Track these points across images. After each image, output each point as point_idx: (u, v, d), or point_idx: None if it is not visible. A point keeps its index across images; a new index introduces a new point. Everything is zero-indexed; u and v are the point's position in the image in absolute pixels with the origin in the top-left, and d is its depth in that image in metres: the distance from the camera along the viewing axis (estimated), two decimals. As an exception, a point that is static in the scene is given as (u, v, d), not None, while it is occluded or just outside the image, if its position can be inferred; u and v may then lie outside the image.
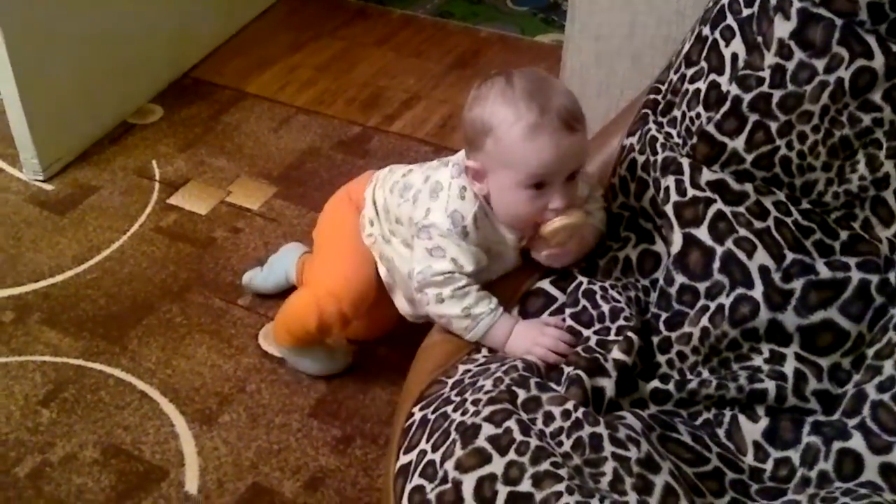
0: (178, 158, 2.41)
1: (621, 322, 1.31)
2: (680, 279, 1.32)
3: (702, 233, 1.32)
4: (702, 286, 1.30)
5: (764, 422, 1.21)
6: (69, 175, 2.35)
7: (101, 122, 2.48)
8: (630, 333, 1.29)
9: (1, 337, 1.91)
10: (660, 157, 1.40)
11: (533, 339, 1.33)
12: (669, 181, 1.37)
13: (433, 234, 1.41)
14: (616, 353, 1.26)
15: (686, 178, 1.36)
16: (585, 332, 1.32)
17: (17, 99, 2.20)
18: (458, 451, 1.11)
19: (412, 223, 1.47)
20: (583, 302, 1.36)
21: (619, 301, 1.35)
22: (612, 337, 1.29)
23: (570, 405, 1.15)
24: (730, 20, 1.34)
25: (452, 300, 1.38)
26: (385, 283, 1.66)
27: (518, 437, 1.11)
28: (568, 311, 1.37)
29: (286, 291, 1.90)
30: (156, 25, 2.56)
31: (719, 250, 1.30)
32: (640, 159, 1.44)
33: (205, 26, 2.79)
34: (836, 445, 1.15)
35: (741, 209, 1.31)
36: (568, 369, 1.25)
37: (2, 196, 2.28)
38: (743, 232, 1.29)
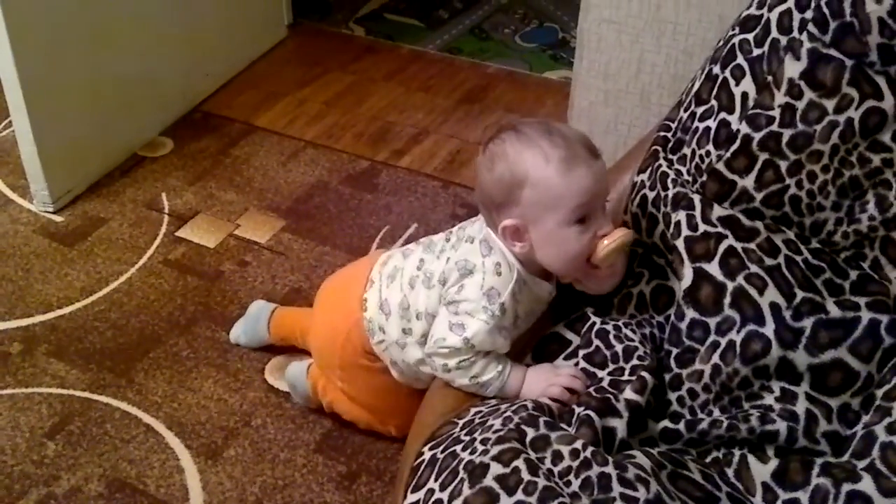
0: (188, 191, 2.42)
1: (635, 361, 1.30)
2: (690, 314, 1.32)
3: (713, 268, 1.31)
4: (712, 321, 1.30)
5: (773, 463, 1.20)
6: (79, 207, 2.36)
7: (112, 155, 2.50)
8: (644, 373, 1.28)
9: (8, 368, 1.91)
10: (671, 193, 1.40)
11: (547, 379, 1.33)
12: (681, 216, 1.37)
13: (461, 309, 1.38)
14: (629, 394, 1.25)
15: (697, 213, 1.35)
16: (599, 374, 1.32)
17: (29, 131, 2.22)
18: (466, 491, 1.10)
19: (444, 301, 1.42)
20: (596, 342, 1.36)
21: (633, 340, 1.34)
22: (625, 377, 1.29)
23: (578, 444, 1.15)
24: (740, 59, 1.35)
25: (459, 370, 1.37)
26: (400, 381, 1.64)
27: (526, 476, 1.10)
28: (581, 352, 1.37)
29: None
30: (166, 60, 2.58)
31: (730, 286, 1.29)
32: (651, 195, 1.44)
33: (215, 61, 2.81)
34: (846, 488, 1.14)
35: (752, 246, 1.31)
36: (579, 409, 1.24)
37: (12, 227, 2.29)
38: (754, 268, 1.29)
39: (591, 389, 1.28)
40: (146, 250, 2.23)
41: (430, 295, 1.47)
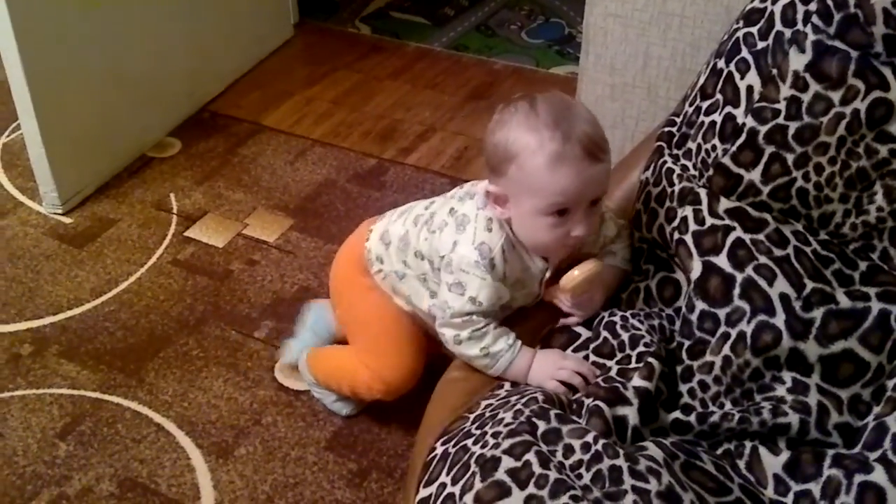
0: (196, 191, 2.42)
1: (641, 349, 1.30)
2: (700, 305, 1.32)
3: (721, 260, 1.31)
4: (722, 312, 1.30)
5: (785, 455, 1.20)
6: (88, 208, 2.37)
7: (120, 156, 2.51)
8: (651, 359, 1.28)
9: (19, 370, 1.91)
10: (677, 188, 1.40)
11: (554, 363, 1.33)
12: (687, 211, 1.37)
13: (455, 267, 1.39)
14: (637, 381, 1.25)
15: (704, 207, 1.36)
16: (608, 364, 1.32)
17: (38, 133, 2.22)
18: (478, 485, 1.10)
19: (438, 255, 1.46)
20: (604, 334, 1.36)
21: (639, 329, 1.35)
22: (632, 365, 1.29)
23: (590, 437, 1.15)
24: (745, 53, 1.35)
25: (470, 341, 1.38)
26: (409, 313, 1.65)
27: (537, 469, 1.10)
28: (591, 345, 1.37)
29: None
30: (174, 60, 2.59)
31: (739, 277, 1.29)
32: (655, 191, 1.44)
33: (222, 61, 2.82)
34: (858, 479, 1.14)
35: (761, 237, 1.31)
36: (588, 401, 1.24)
37: (21, 229, 2.30)
38: (763, 259, 1.29)
39: (599, 379, 1.28)
40: (155, 250, 2.23)
41: (431, 240, 1.49)
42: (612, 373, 1.29)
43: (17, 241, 2.26)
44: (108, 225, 2.31)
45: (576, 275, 1.37)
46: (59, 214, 2.35)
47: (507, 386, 1.36)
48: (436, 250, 1.46)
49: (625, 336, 1.34)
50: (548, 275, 1.44)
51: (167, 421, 1.80)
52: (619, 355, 1.32)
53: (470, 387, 1.38)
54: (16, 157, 2.56)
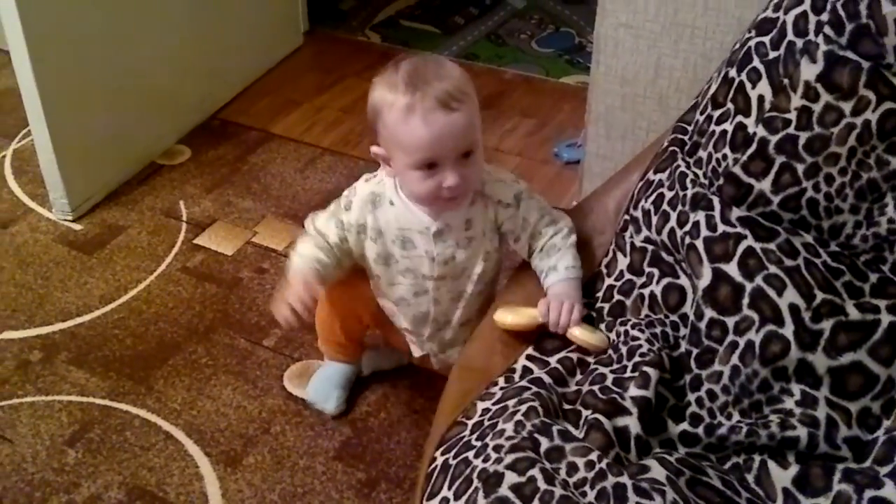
0: (205, 199, 2.43)
1: (637, 358, 1.30)
2: (709, 313, 1.31)
3: (731, 268, 1.30)
4: (731, 321, 1.29)
5: (794, 468, 1.19)
6: (98, 215, 2.38)
7: (130, 163, 2.51)
8: (645, 368, 1.28)
9: (28, 376, 1.92)
10: (689, 193, 1.40)
11: (291, 294, 1.50)
12: (699, 216, 1.36)
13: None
14: (633, 391, 1.25)
15: (717, 213, 1.35)
16: (604, 372, 1.32)
17: (48, 140, 2.23)
18: (481, 500, 1.09)
19: None
20: (609, 352, 1.36)
21: (637, 339, 1.34)
22: (627, 374, 1.29)
23: (594, 456, 1.14)
24: (756, 62, 1.34)
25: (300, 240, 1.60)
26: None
27: (542, 486, 1.09)
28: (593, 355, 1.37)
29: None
30: (183, 69, 2.60)
31: (749, 286, 1.28)
32: (669, 194, 1.44)
33: (231, 69, 2.82)
34: (869, 494, 1.13)
35: (772, 246, 1.30)
36: (586, 413, 1.23)
37: (31, 236, 2.31)
38: (773, 269, 1.28)
39: (595, 389, 1.28)
40: (164, 258, 2.24)
41: None
42: (609, 382, 1.28)
43: (27, 248, 2.27)
44: (117, 232, 2.32)
45: (578, 336, 1.40)
46: (68, 221, 2.35)
47: (500, 383, 1.34)
48: None
49: (623, 350, 1.34)
50: (433, 229, 1.54)
51: (176, 429, 1.80)
52: (616, 365, 1.32)
53: (464, 387, 1.37)
54: (26, 163, 2.56)
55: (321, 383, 1.84)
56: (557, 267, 1.50)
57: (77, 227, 2.34)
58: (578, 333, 1.40)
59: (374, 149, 1.50)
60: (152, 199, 2.43)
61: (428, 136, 1.41)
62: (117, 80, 2.38)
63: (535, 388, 1.28)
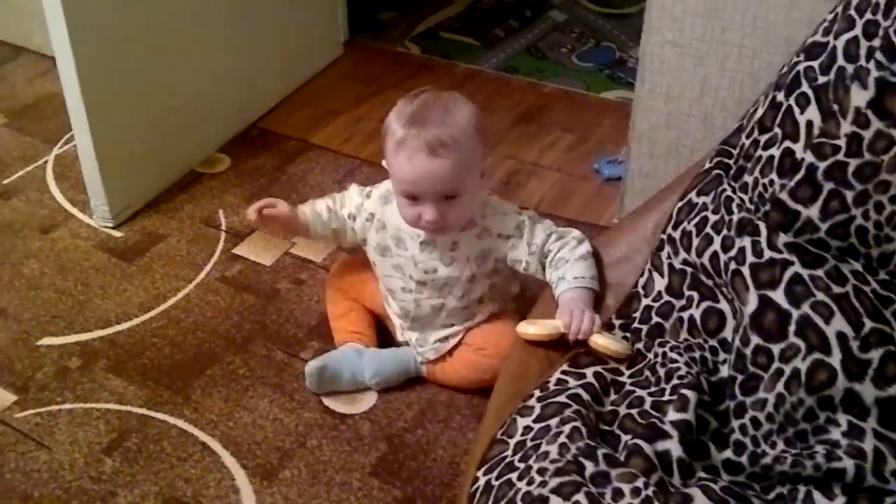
0: (244, 208, 2.42)
1: (675, 381, 1.30)
2: (755, 340, 1.30)
3: (778, 295, 1.29)
4: (776, 348, 1.28)
5: (840, 500, 1.18)
6: (138, 223, 2.39)
7: (170, 171, 2.52)
8: (684, 391, 1.27)
9: (67, 383, 1.93)
10: (735, 217, 1.39)
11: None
12: (745, 242, 1.35)
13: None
14: (672, 415, 1.25)
15: (763, 239, 1.34)
16: (642, 395, 1.31)
17: (91, 147, 2.25)
18: (527, 523, 1.09)
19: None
20: (646, 373, 1.35)
21: (676, 362, 1.34)
22: (666, 398, 1.28)
23: (640, 483, 1.13)
24: (805, 87, 1.33)
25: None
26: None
27: (587, 510, 1.09)
28: (627, 372, 1.37)
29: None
30: (224, 78, 2.61)
31: (795, 314, 1.27)
32: (713, 218, 1.43)
33: (271, 79, 2.83)
34: (916, 527, 1.12)
35: (820, 273, 1.28)
36: (626, 438, 1.23)
37: (72, 242, 2.32)
38: (821, 296, 1.27)
39: (633, 413, 1.27)
40: (203, 267, 2.25)
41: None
42: (647, 406, 1.28)
43: (68, 254, 2.29)
44: (157, 240, 2.33)
45: (600, 343, 1.43)
46: (109, 228, 2.37)
47: (536, 394, 1.34)
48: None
49: (661, 372, 1.33)
50: (421, 238, 1.73)
51: (212, 440, 1.81)
52: (654, 388, 1.31)
53: (500, 402, 1.38)
54: (67, 168, 2.58)
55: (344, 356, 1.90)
56: (566, 276, 1.58)
57: (117, 234, 2.36)
58: (601, 341, 1.43)
59: (383, 162, 1.69)
60: (192, 208, 2.44)
61: (410, 174, 1.59)
62: (159, 88, 2.39)
63: (575, 406, 1.28)
